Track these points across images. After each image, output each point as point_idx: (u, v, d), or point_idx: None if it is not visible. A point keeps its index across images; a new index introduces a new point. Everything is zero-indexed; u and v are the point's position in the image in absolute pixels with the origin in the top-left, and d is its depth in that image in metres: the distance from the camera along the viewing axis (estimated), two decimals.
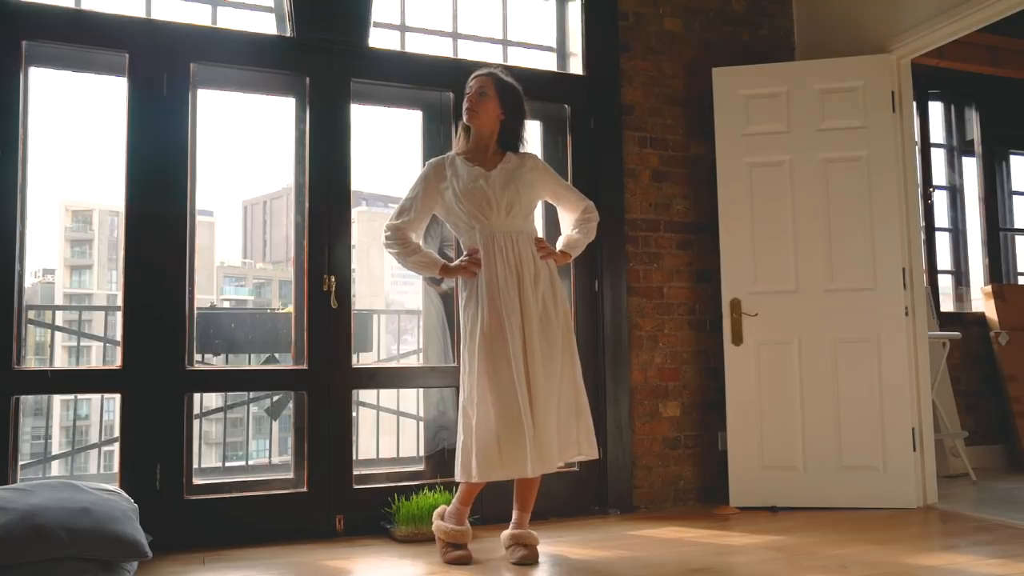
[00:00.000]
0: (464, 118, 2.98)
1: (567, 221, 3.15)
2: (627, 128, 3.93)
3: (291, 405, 3.67)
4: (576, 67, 3.97)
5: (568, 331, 2.92)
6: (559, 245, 3.08)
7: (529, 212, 3.00)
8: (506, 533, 2.95)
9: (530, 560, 2.81)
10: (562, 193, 3.12)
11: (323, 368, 3.32)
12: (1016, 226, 5.78)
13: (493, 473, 2.74)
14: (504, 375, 2.73)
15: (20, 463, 3.04)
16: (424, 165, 3.06)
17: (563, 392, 2.85)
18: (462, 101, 2.99)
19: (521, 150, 3.04)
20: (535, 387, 2.74)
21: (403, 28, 3.81)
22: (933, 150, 5.48)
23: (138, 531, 2.51)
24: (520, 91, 3.00)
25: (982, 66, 5.12)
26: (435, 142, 3.73)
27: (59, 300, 29.99)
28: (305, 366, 3.33)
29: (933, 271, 5.30)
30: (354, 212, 3.55)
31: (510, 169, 2.95)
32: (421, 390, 3.89)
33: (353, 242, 3.47)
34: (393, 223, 2.94)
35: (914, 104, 4.29)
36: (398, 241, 2.93)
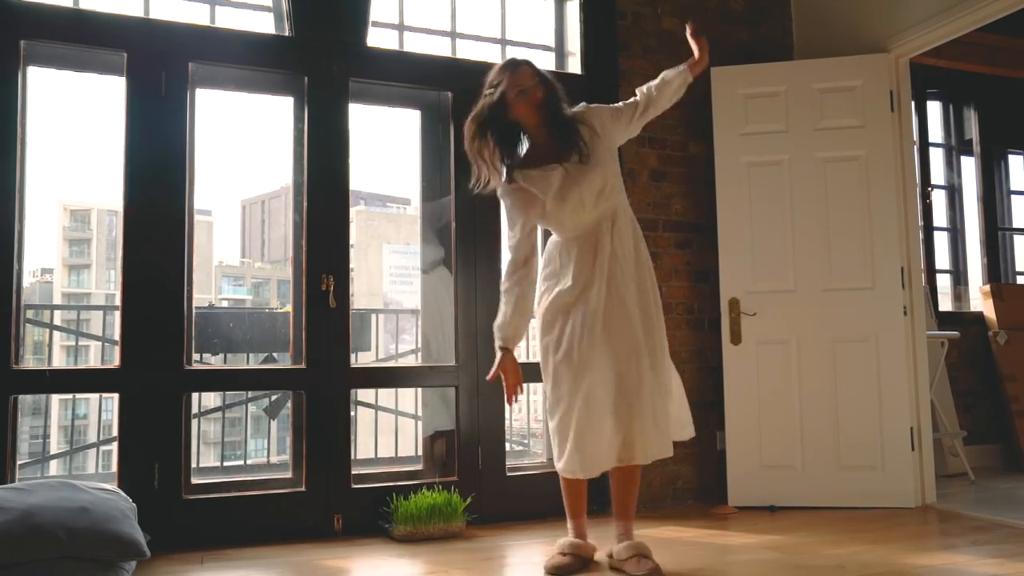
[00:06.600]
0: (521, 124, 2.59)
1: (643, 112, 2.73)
2: None
3: (289, 404, 3.67)
4: (575, 66, 3.97)
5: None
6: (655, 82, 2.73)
7: (617, 188, 2.63)
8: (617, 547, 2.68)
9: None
10: (623, 111, 2.71)
11: (321, 367, 3.32)
12: (1014, 225, 5.78)
13: None
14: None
15: (18, 462, 3.04)
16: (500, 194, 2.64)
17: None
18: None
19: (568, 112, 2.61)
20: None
21: (402, 27, 3.81)
22: (931, 149, 5.49)
23: (136, 530, 2.51)
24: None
25: (980, 66, 5.12)
26: (433, 142, 3.72)
27: (57, 299, 29.98)
28: (303, 365, 3.32)
29: (931, 270, 5.30)
30: (352, 211, 3.55)
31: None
32: (419, 390, 3.89)
33: (351, 241, 3.47)
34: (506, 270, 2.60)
35: (912, 103, 4.29)
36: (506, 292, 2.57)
